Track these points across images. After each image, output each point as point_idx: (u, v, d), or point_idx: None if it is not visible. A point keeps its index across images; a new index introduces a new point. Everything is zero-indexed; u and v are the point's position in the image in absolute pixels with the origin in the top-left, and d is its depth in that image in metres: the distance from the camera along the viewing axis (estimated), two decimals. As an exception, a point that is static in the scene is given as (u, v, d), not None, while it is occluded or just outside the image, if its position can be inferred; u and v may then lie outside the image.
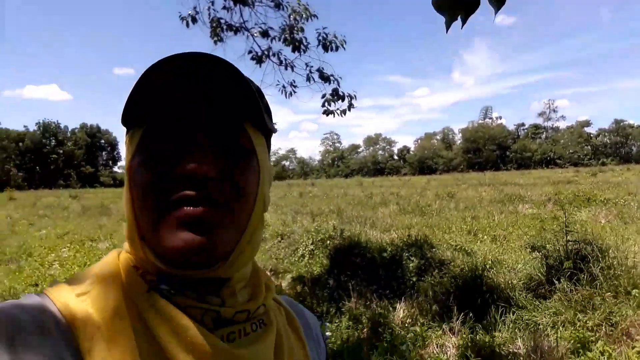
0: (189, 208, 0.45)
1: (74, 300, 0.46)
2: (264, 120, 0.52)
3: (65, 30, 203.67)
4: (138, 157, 0.49)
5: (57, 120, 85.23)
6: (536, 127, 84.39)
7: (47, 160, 79.61)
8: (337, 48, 5.52)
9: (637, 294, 3.71)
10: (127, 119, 0.50)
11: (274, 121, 0.60)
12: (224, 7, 5.52)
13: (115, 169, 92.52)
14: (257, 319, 0.54)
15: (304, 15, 5.59)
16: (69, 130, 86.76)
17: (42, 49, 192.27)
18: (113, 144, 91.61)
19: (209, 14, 5.61)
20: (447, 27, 0.85)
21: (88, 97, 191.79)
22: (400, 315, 4.25)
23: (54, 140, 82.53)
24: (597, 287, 4.04)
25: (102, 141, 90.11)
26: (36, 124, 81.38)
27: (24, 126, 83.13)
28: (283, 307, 0.63)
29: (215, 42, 5.67)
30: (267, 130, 0.55)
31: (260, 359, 0.50)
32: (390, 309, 4.45)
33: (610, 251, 4.46)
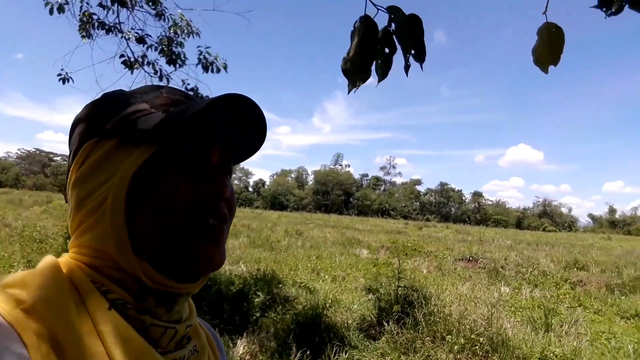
0: (217, 225, 0.53)
1: (22, 315, 0.41)
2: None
3: None
4: (166, 170, 0.51)
5: None
6: (377, 179, 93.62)
7: None
8: (218, 70, 5.41)
9: (449, 340, 4.31)
10: (145, 136, 0.51)
11: None
12: (100, 4, 5.04)
13: None
14: (191, 345, 0.57)
15: (185, 31, 5.43)
16: None
17: None
18: None
19: (81, 7, 5.06)
20: (349, 91, 0.96)
21: None
22: (240, 352, 4.19)
23: None
24: (419, 331, 4.56)
25: None
26: None
27: None
28: (203, 328, 0.65)
29: (82, 37, 5.10)
30: None
31: None
32: (231, 344, 4.35)
33: (432, 299, 5.14)
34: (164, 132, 0.50)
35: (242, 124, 0.57)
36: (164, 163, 0.51)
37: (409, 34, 0.81)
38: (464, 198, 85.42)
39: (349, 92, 0.88)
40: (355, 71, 0.84)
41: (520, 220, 76.64)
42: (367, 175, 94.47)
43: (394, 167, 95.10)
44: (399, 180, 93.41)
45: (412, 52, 0.83)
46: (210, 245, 0.52)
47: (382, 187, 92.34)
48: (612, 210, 77.82)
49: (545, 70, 1.01)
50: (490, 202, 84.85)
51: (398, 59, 0.86)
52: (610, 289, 9.08)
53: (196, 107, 0.50)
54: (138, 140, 0.51)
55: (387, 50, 0.84)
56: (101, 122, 0.53)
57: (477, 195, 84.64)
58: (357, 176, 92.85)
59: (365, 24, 0.81)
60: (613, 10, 0.99)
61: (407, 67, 0.84)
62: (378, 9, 0.81)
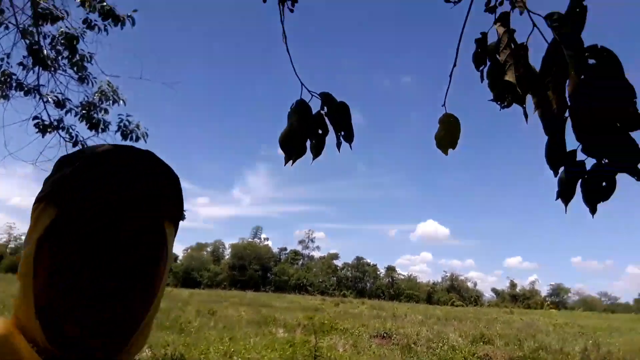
0: (108, 295, 0.48)
1: None
2: (181, 217, 0.59)
3: None
4: (59, 237, 0.48)
5: None
6: (296, 253, 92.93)
7: None
8: (137, 139, 5.35)
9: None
10: (55, 196, 0.50)
11: None
12: (21, 64, 4.82)
13: None
14: None
15: (110, 98, 5.34)
16: None
17: None
18: None
19: (1, 66, 4.82)
20: (285, 163, 1.00)
21: None
22: None
23: None
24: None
25: None
26: None
27: None
28: None
29: None
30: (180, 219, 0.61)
31: None
32: None
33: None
34: (61, 193, 0.49)
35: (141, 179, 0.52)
36: (64, 225, 0.49)
37: (339, 117, 0.90)
38: (378, 272, 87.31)
39: (285, 164, 0.95)
40: (291, 147, 0.91)
41: (430, 295, 79.47)
42: (285, 249, 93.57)
43: (312, 240, 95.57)
44: (317, 254, 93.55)
45: (342, 133, 0.92)
46: (93, 313, 0.48)
47: (300, 262, 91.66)
48: (512, 285, 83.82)
49: (445, 152, 1.17)
50: (402, 277, 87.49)
51: (330, 138, 0.94)
52: (514, 361, 9.56)
53: (84, 165, 0.50)
54: (48, 203, 0.51)
55: (320, 131, 0.92)
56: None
57: (390, 269, 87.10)
58: (275, 250, 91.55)
59: (301, 107, 0.89)
60: (505, 103, 1.17)
61: (338, 145, 0.94)
62: (312, 95, 0.90)
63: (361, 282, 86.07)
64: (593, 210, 0.99)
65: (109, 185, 0.50)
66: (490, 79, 1.04)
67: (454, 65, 1.05)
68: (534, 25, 0.87)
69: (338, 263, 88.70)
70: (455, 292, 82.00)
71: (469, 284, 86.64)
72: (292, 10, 0.96)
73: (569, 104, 0.91)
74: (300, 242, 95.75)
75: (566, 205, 1.05)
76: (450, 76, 1.07)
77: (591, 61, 0.79)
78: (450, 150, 1.16)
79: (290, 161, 0.93)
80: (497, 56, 0.97)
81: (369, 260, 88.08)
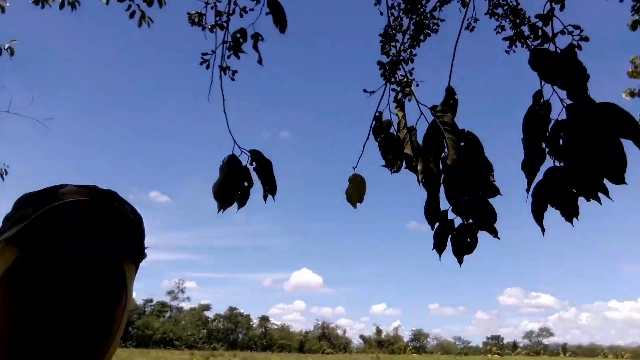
0: (58, 343, 0.48)
1: None
2: (142, 258, 0.60)
3: None
4: (12, 283, 0.48)
5: None
6: (163, 304, 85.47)
7: None
8: None
9: None
10: (17, 237, 0.50)
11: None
12: None
13: None
14: None
15: None
16: None
17: None
18: None
19: None
20: (218, 211, 1.07)
21: None
22: None
23: None
24: None
25: None
26: None
27: None
28: None
29: None
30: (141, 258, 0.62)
31: None
32: None
33: None
34: (24, 235, 0.49)
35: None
36: (26, 267, 0.49)
37: (265, 172, 1.00)
38: (252, 323, 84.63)
39: (217, 212, 1.02)
40: (223, 197, 0.98)
41: (302, 344, 79.18)
42: (151, 300, 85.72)
43: (182, 291, 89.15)
44: (187, 305, 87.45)
45: (266, 186, 1.02)
46: None
47: (168, 314, 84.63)
48: (378, 331, 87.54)
49: (354, 205, 1.36)
50: (276, 327, 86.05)
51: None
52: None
53: (49, 209, 0.49)
54: (8, 244, 0.51)
55: (246, 183, 1.01)
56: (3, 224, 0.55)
57: (264, 319, 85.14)
58: (140, 302, 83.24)
59: (232, 161, 0.98)
60: (395, 169, 1.40)
61: (265, 197, 1.03)
62: (242, 151, 0.99)
63: (233, 334, 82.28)
64: (460, 261, 1.23)
65: (74, 230, 0.51)
66: (383, 149, 1.25)
67: (367, 138, 1.25)
68: (421, 113, 1.10)
69: (210, 314, 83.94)
70: (326, 339, 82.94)
71: (339, 332, 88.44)
72: (233, 79, 1.06)
73: (442, 174, 1.14)
74: (169, 292, 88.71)
75: (440, 255, 1.27)
76: (364, 147, 1.27)
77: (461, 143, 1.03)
78: (348, 202, 1.34)
79: (222, 210, 0.99)
80: (395, 132, 1.19)
81: (242, 311, 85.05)
